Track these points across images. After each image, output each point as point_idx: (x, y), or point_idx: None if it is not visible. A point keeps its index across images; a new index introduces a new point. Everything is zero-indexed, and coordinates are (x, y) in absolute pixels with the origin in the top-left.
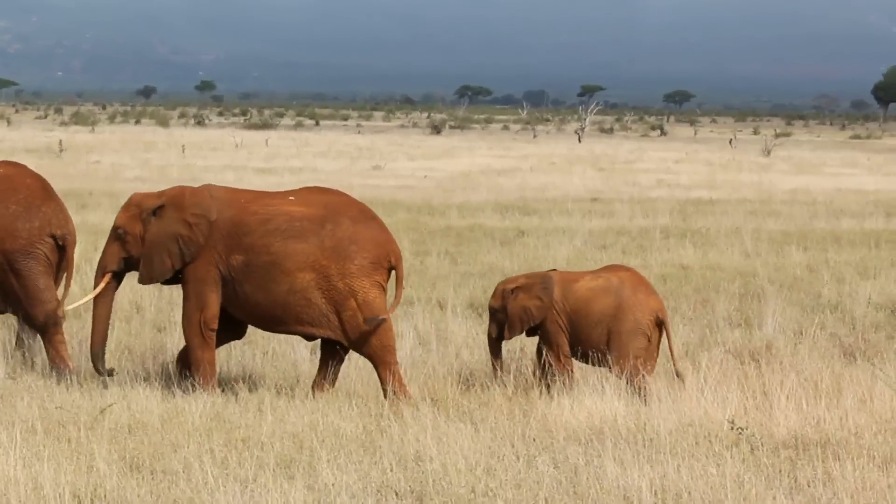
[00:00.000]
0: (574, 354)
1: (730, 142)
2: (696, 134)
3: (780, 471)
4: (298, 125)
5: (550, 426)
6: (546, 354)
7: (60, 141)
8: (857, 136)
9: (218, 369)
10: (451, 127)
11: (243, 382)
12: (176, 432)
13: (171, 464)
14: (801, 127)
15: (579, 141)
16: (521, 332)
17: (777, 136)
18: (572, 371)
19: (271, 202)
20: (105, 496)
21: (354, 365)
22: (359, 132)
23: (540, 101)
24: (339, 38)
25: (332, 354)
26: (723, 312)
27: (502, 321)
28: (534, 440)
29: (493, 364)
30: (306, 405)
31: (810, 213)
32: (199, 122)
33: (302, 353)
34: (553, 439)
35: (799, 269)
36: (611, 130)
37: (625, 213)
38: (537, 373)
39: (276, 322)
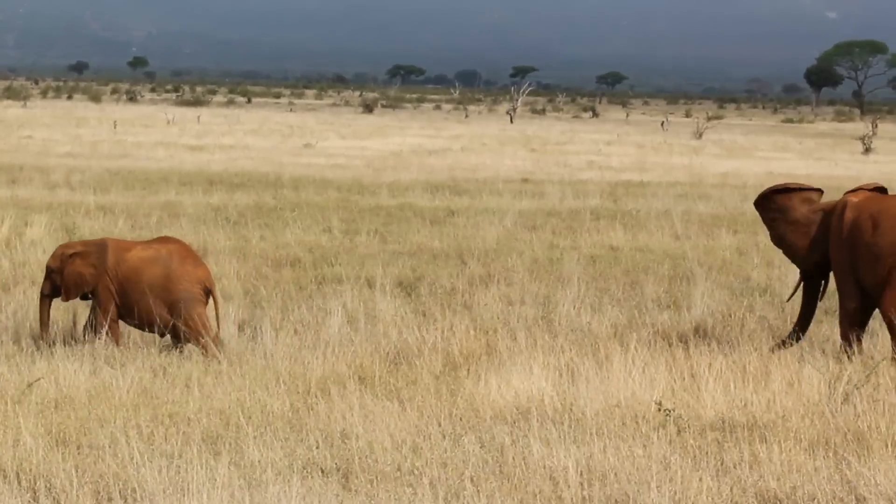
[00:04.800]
0: (128, 319)
1: (661, 124)
2: (627, 116)
3: (707, 453)
4: (230, 102)
5: (477, 405)
6: (96, 315)
7: None
8: (789, 120)
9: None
10: (383, 106)
11: (171, 358)
12: (103, 407)
13: (98, 438)
14: (733, 110)
15: (511, 121)
16: (77, 297)
17: (709, 119)
18: (117, 333)
19: None
20: (31, 470)
21: (282, 342)
22: (290, 110)
23: (472, 82)
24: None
25: None
26: (652, 294)
27: (56, 282)
28: (460, 419)
29: (40, 320)
30: (234, 382)
31: (741, 197)
32: (132, 99)
33: (230, 330)
34: (480, 418)
35: (728, 252)
36: (543, 111)
37: (555, 194)
38: (86, 334)
39: None
